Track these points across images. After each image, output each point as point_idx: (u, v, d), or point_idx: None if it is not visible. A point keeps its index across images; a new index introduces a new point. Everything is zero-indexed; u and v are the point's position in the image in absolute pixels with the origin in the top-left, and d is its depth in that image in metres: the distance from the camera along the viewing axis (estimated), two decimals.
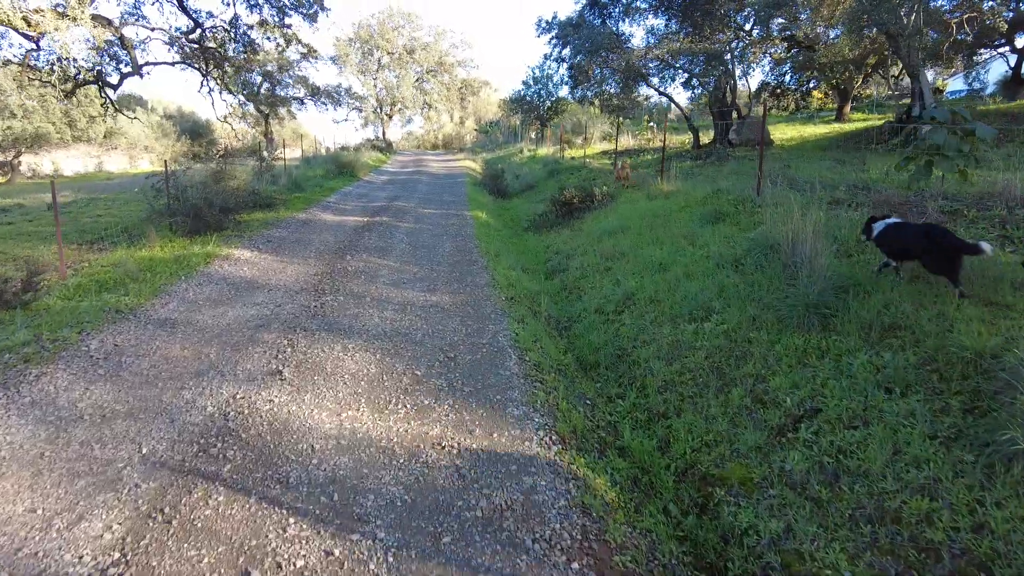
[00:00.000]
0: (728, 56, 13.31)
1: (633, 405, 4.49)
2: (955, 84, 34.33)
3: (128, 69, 13.90)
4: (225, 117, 19.20)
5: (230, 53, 13.70)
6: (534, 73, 37.02)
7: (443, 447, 3.34)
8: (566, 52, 15.76)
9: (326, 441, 3.38)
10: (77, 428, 3.44)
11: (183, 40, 14.43)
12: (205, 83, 14.85)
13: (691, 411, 4.19)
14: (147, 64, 14.40)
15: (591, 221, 10.43)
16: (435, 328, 5.32)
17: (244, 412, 3.67)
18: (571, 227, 10.77)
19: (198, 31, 14.37)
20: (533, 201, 15.71)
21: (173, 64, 14.90)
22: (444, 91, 53.12)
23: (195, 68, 14.62)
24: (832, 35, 21.38)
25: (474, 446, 3.36)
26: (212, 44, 14.24)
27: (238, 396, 3.89)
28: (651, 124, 30.50)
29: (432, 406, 3.84)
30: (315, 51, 11.94)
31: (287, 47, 13.36)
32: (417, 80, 52.31)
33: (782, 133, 19.60)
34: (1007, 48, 22.98)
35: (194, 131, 49.44)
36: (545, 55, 16.33)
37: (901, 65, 25.40)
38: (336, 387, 4.07)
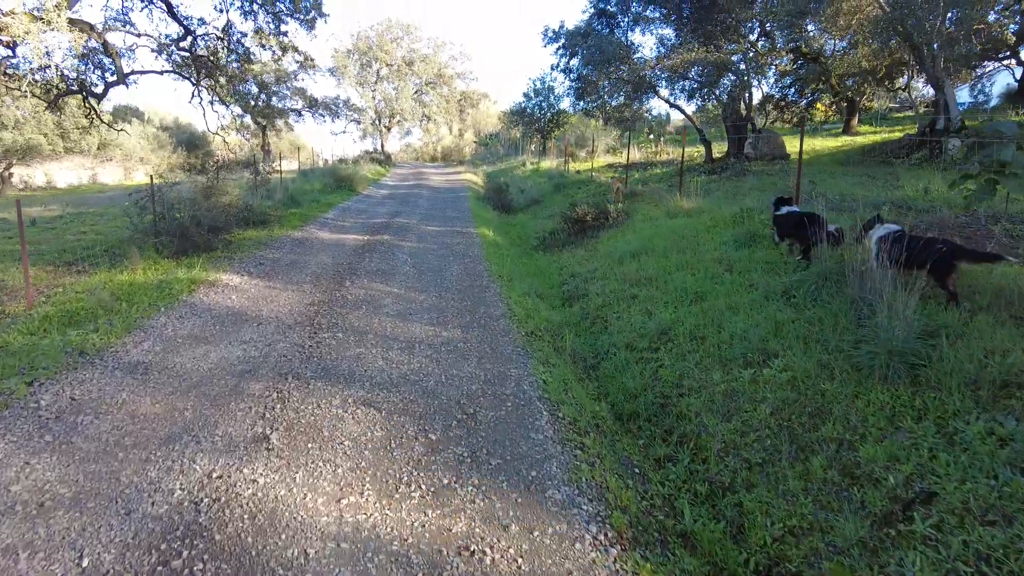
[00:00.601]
0: (743, 67, 12.78)
1: (689, 473, 3.77)
2: (959, 96, 33.88)
3: (113, 78, 13.25)
4: (218, 130, 18.47)
5: (223, 62, 13.07)
6: (535, 85, 36.65)
7: (471, 553, 2.61)
8: (574, 62, 15.24)
9: (323, 543, 2.65)
10: (1, 526, 2.70)
11: (173, 48, 13.77)
12: (197, 94, 14.18)
13: (763, 485, 3.48)
14: (134, 73, 13.74)
15: (607, 240, 9.76)
16: (449, 373, 4.60)
17: (221, 499, 2.94)
18: (585, 246, 10.10)
19: (189, 39, 13.73)
20: (540, 217, 15.06)
21: (162, 73, 14.23)
22: (443, 103, 52.79)
23: (185, 78, 13.98)
24: (841, 46, 20.96)
25: (511, 551, 2.63)
26: (204, 53, 13.58)
27: (215, 474, 3.16)
28: (651, 136, 30.06)
29: (453, 487, 3.11)
30: (312, 60, 11.38)
31: (283, 56, 12.76)
32: (416, 92, 51.99)
33: (792, 146, 19.06)
34: (1013, 60, 22.67)
35: (191, 143, 48.95)
36: (552, 65, 15.79)
37: (907, 77, 25.04)
38: (335, 459, 3.35)
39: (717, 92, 14.05)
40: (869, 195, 9.11)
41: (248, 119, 50.76)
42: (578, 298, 7.58)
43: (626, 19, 14.68)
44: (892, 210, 7.35)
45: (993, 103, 29.25)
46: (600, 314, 6.70)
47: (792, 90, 23.23)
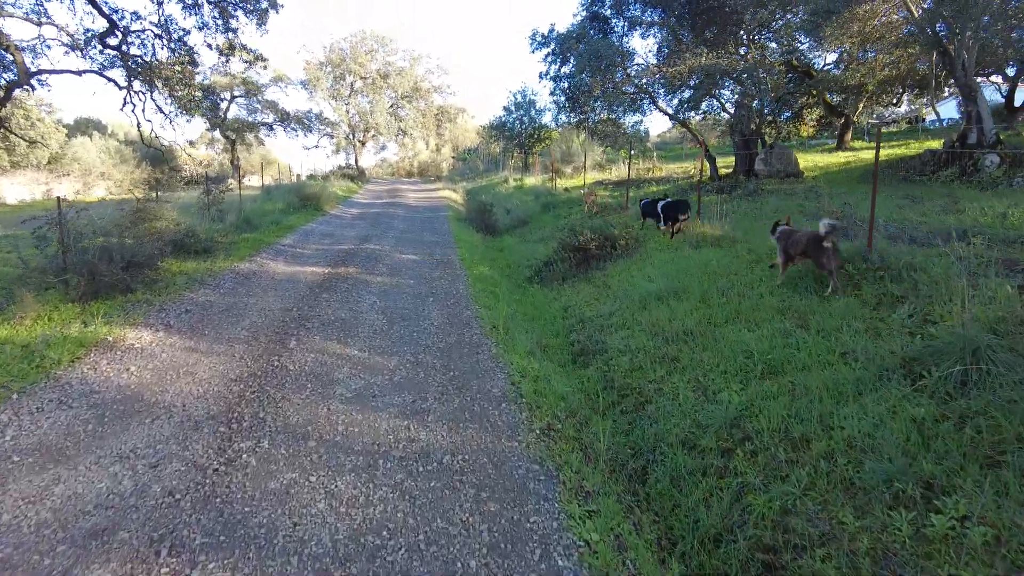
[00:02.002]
0: (754, 74, 11.48)
1: None
2: (944, 111, 33.46)
3: (13, 77, 11.09)
4: (149, 140, 16.17)
5: (161, 62, 11.23)
6: (515, 98, 35.36)
7: None
8: (565, 69, 13.78)
9: None
10: None
11: (95, 44, 11.73)
12: (128, 99, 12.20)
13: None
14: (42, 72, 11.52)
15: (618, 274, 8.16)
16: (431, 528, 2.88)
17: None
18: (591, 280, 8.49)
19: (118, 35, 11.72)
20: (530, 240, 13.44)
21: (80, 73, 12.17)
22: (420, 117, 51.16)
23: (110, 80, 11.97)
24: (832, 59, 19.97)
25: None
26: (136, 52, 11.67)
27: None
28: (632, 152, 28.79)
29: None
30: (264, 59, 9.64)
31: (232, 55, 10.97)
32: (391, 106, 50.35)
33: (803, 162, 17.85)
34: (999, 77, 22.15)
35: (157, 157, 46.56)
36: (540, 73, 14.31)
37: (902, 91, 24.29)
38: None
39: (722, 102, 12.73)
40: (926, 221, 7.71)
41: (214, 132, 48.32)
42: (593, 354, 5.93)
43: (621, 23, 13.35)
44: (992, 244, 5.88)
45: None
46: (630, 383, 5.05)
47: (778, 104, 22.22)
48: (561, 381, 5.16)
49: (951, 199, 8.95)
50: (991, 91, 26.50)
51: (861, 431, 3.41)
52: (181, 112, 12.40)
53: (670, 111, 14.40)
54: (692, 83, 12.13)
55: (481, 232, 14.83)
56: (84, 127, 48.97)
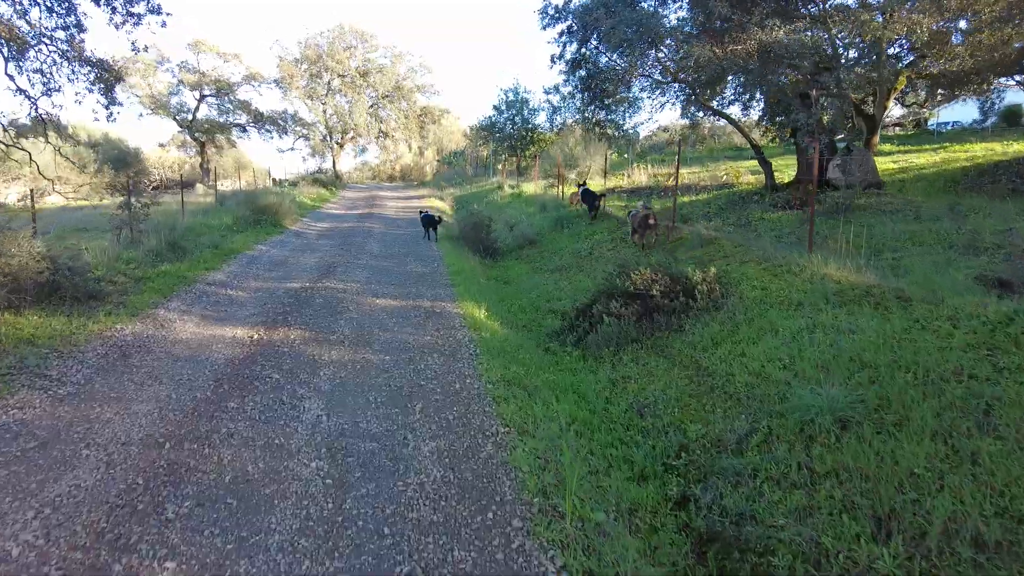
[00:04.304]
0: (836, 50, 8.69)
1: None
2: (960, 114, 31.08)
3: None
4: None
5: (28, 27, 8.02)
6: (506, 96, 32.43)
7: None
8: (585, 50, 10.79)
9: None
10: None
11: None
12: None
13: None
14: None
15: (712, 345, 5.21)
16: None
17: None
18: (664, 350, 5.54)
19: None
20: (544, 269, 10.47)
21: None
22: (402, 118, 47.87)
23: None
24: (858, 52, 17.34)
25: None
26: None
27: None
28: (625, 155, 26.04)
29: None
30: (162, 11, 6.77)
31: (128, 17, 7.88)
32: (372, 106, 47.09)
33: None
34: (1021, 77, 19.81)
35: (121, 160, 42.94)
36: (552, 56, 11.35)
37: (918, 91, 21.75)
38: None
39: (787, 92, 9.89)
40: None
41: (185, 134, 44.80)
42: (742, 555, 2.95)
43: None
44: None
45: (989, 122, 26.71)
46: None
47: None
48: None
49: None
50: (1011, 93, 24.31)
51: None
52: (51, 90, 9.20)
53: (713, 105, 11.57)
54: (751, 67, 9.31)
55: (478, 254, 11.84)
56: (42, 128, 44.97)
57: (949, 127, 28.47)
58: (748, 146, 15.08)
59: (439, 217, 13.17)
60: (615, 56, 10.32)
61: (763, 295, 5.78)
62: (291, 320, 6.33)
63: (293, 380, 4.67)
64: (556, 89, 13.71)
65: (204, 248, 10.61)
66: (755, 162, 18.48)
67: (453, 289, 7.99)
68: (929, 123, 30.71)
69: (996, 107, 26.40)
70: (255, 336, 5.79)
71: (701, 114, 12.25)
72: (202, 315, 6.51)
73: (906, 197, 10.08)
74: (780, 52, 9.16)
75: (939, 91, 18.69)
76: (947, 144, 17.05)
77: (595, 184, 20.38)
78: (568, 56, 11.39)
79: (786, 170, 13.96)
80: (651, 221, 8.89)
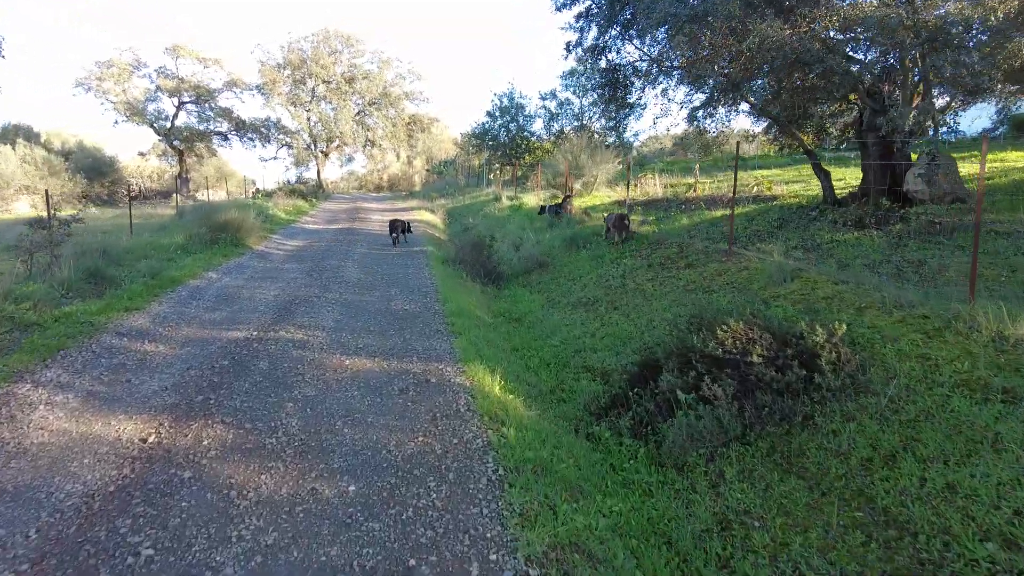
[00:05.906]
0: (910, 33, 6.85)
1: None
2: (963, 122, 29.50)
3: None
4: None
5: None
6: (500, 102, 30.59)
7: None
8: (607, 37, 8.85)
9: None
10: None
11: None
12: None
13: None
14: None
15: (894, 466, 3.21)
16: None
17: None
18: (783, 456, 3.52)
19: None
20: (564, 303, 8.44)
21: None
22: (390, 126, 45.79)
23: None
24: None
25: None
26: None
27: None
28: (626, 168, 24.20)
29: None
30: None
31: None
32: (358, 113, 45.02)
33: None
34: None
35: (95, 168, 40.42)
36: (567, 44, 9.36)
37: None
38: None
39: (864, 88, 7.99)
40: None
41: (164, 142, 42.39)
42: None
43: None
44: None
45: (1000, 131, 25.31)
46: None
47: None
48: None
49: None
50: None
51: None
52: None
53: (752, 100, 9.69)
54: (824, 55, 7.42)
55: (478, 279, 9.81)
56: (12, 135, 42.37)
57: (955, 136, 27.00)
58: (751, 156, 13.21)
59: (407, 224, 13.40)
60: (646, 42, 8.38)
61: (927, 369, 3.80)
62: (214, 405, 4.24)
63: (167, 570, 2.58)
64: (571, 73, 11.69)
65: (139, 277, 8.48)
66: (775, 171, 16.69)
67: (453, 340, 5.93)
68: (937, 131, 29.21)
69: (1006, 115, 24.94)
70: (148, 439, 3.69)
71: (735, 114, 10.36)
72: (86, 394, 4.39)
73: (1001, 214, 8.21)
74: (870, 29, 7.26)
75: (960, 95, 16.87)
76: (970, 152, 15.00)
77: (600, 196, 18.55)
78: (585, 44, 9.42)
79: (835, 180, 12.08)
80: (625, 222, 10.40)
